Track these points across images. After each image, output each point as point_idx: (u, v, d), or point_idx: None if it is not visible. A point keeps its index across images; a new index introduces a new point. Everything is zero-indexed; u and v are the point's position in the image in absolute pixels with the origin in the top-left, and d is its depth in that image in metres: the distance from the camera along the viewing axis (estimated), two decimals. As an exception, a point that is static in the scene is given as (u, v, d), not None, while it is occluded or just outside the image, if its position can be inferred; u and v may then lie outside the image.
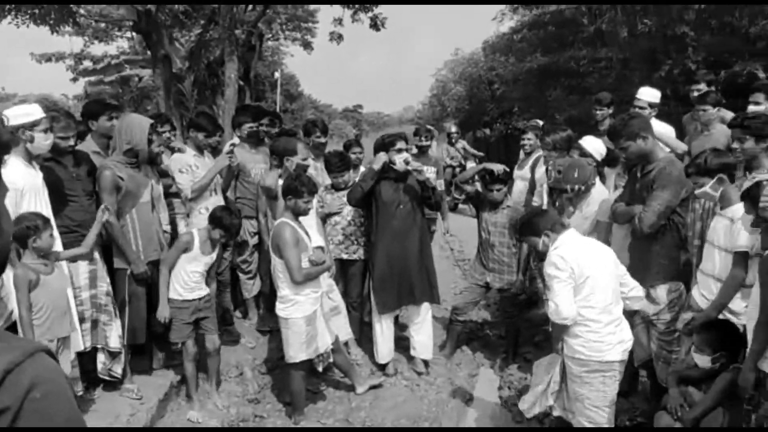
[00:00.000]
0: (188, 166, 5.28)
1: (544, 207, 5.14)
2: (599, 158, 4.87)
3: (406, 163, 5.02)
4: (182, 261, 4.60)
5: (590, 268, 3.59)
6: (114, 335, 4.41)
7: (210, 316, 4.82)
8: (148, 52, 15.46)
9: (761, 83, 5.13)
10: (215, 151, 5.67)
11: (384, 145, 5.18)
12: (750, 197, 3.16)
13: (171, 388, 4.83)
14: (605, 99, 6.16)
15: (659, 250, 3.98)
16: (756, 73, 8.40)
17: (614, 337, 3.61)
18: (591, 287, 3.57)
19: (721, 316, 3.59)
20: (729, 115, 5.10)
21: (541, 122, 7.42)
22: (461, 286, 7.01)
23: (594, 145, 4.91)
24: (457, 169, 11.56)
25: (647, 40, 10.91)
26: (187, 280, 4.60)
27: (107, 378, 4.52)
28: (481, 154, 13.07)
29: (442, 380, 5.44)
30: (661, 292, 4.00)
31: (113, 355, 4.49)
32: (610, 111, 5.95)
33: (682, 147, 5.43)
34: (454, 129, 12.70)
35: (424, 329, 5.43)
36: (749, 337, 3.15)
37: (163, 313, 4.52)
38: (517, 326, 5.79)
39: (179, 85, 15.90)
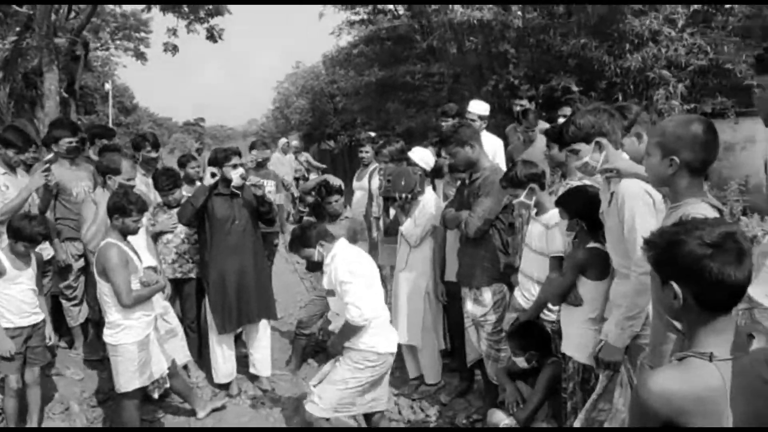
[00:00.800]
0: (-4, 185, 4.79)
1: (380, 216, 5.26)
2: (427, 168, 5.07)
3: (243, 178, 4.90)
4: (1, 287, 4.19)
5: (371, 272, 4.01)
6: None
7: (40, 345, 4.43)
8: (-47, 61, 13.89)
9: (568, 98, 5.63)
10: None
11: (217, 160, 5.03)
12: (563, 203, 3.43)
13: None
14: (451, 110, 6.45)
15: (484, 254, 4.22)
16: (570, 87, 9.20)
17: (388, 331, 4.04)
18: (374, 289, 3.91)
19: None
20: (546, 126, 5.57)
21: (373, 134, 7.61)
22: (307, 299, 6.97)
23: (421, 155, 5.11)
24: (301, 182, 11.56)
25: (474, 57, 11.58)
26: (20, 305, 4.22)
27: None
28: (323, 166, 13.20)
29: (288, 396, 5.35)
30: (486, 294, 4.23)
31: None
32: (456, 121, 6.21)
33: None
34: (295, 142, 12.71)
35: (262, 346, 5.32)
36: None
37: (5, 346, 4.13)
38: (361, 335, 5.84)
39: (-8, 96, 14.42)
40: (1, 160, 4.97)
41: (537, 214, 3.90)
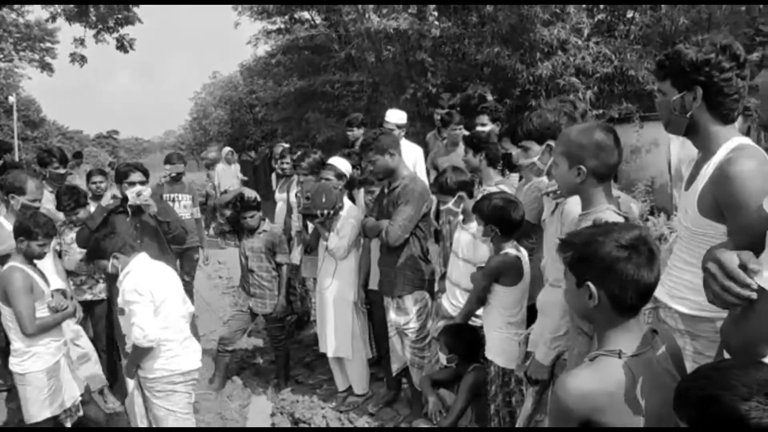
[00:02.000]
0: None
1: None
2: (347, 176, 5.06)
3: (138, 195, 4.72)
4: None
5: (165, 291, 3.79)
6: None
7: None
8: None
9: (485, 106, 5.76)
10: None
11: (117, 177, 4.86)
12: (478, 209, 3.48)
13: None
14: (356, 120, 6.48)
15: (405, 261, 4.23)
16: (485, 95, 9.43)
17: (189, 350, 3.91)
18: (167, 309, 3.76)
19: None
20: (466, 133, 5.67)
21: (287, 145, 7.56)
22: (228, 315, 6.82)
23: (344, 165, 5.09)
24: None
25: (393, 65, 11.69)
26: None
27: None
28: (244, 178, 12.93)
29: (212, 416, 5.19)
30: (409, 302, 4.25)
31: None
32: (362, 131, 6.24)
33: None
34: (212, 154, 12.44)
35: None
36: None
37: None
38: (286, 349, 5.75)
39: None
40: None
41: (464, 222, 3.95)
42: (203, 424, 5.06)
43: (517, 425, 3.20)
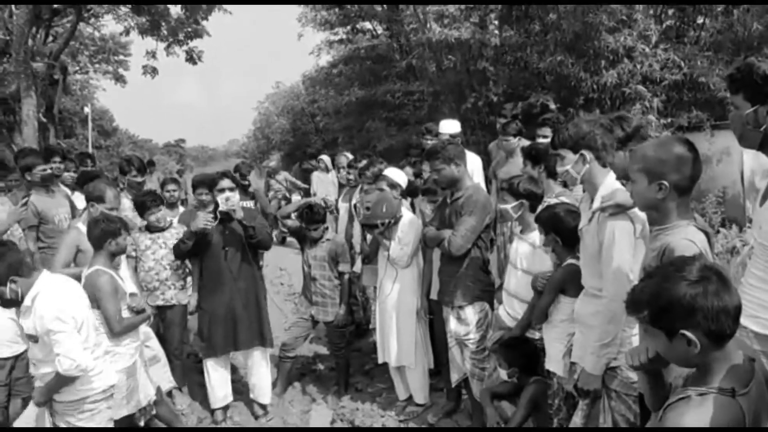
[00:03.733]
0: (-27, 215, 4.75)
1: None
2: (403, 186, 5.10)
3: (226, 200, 4.87)
4: None
5: (83, 309, 3.56)
6: None
7: (25, 376, 4.33)
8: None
9: (547, 117, 5.70)
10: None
11: (206, 183, 5.03)
12: (539, 219, 3.48)
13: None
14: (434, 129, 6.53)
15: (465, 272, 4.23)
16: (548, 104, 9.34)
17: (110, 365, 3.76)
18: (86, 328, 3.54)
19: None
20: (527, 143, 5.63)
21: (350, 155, 7.64)
22: (291, 321, 6.93)
23: (399, 175, 5.14)
24: (282, 202, 11.50)
25: (453, 75, 11.71)
26: (1, 336, 4.12)
27: None
28: (305, 186, 13.14)
29: (275, 420, 5.31)
30: (469, 312, 4.24)
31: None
32: (445, 139, 6.25)
33: None
34: (272, 163, 12.68)
35: (258, 373, 5.27)
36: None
37: None
38: (346, 357, 5.81)
39: (-30, 122, 14.32)
40: (-21, 188, 4.95)
41: (522, 232, 3.94)
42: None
43: None
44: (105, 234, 4.10)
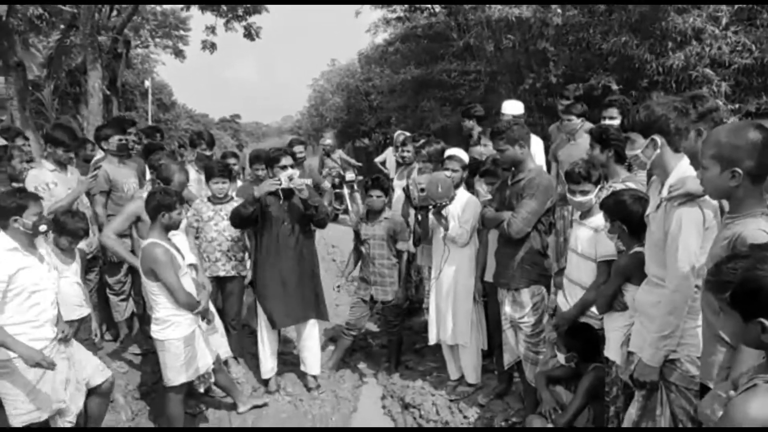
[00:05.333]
0: (45, 184, 4.95)
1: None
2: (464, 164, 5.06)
3: (290, 179, 4.94)
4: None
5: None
6: None
7: (88, 338, 4.57)
8: (-1, 59, 14.30)
9: (614, 99, 5.54)
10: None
11: (269, 159, 5.11)
12: (606, 206, 3.40)
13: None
14: (478, 111, 6.45)
15: (523, 255, 4.19)
16: (610, 86, 9.08)
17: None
18: None
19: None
20: (590, 126, 5.49)
21: (408, 134, 7.62)
22: (344, 298, 7.02)
23: (465, 155, 5.11)
24: (336, 180, 11.59)
25: (512, 55, 11.49)
26: (67, 298, 4.27)
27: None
28: (359, 164, 13.21)
29: (327, 394, 5.41)
30: (525, 296, 4.21)
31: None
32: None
33: None
34: (329, 141, 12.75)
35: (311, 346, 5.38)
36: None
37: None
38: (399, 335, 5.87)
39: (37, 94, 14.83)
40: (51, 158, 5.15)
41: (582, 217, 3.87)
42: (317, 402, 5.30)
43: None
44: (160, 206, 4.22)
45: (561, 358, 3.77)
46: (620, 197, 3.33)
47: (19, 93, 11.64)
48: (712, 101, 3.62)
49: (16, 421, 3.67)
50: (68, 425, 3.93)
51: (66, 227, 4.39)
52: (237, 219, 5.06)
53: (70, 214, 4.51)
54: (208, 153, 6.12)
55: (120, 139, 5.63)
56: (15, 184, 4.60)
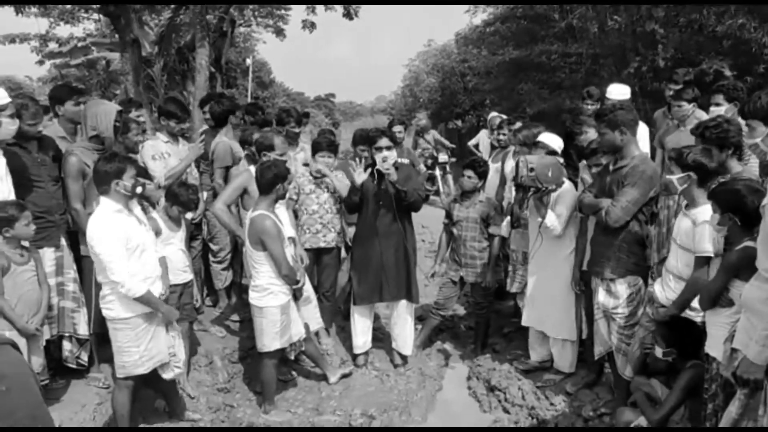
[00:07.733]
0: (161, 153, 5.25)
1: (512, 202, 5.15)
2: (559, 152, 4.93)
3: (383, 160, 4.98)
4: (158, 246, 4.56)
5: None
6: (82, 323, 4.40)
7: (190, 303, 4.85)
8: (116, 36, 15.14)
9: (721, 85, 5.22)
10: (186, 138, 5.66)
11: (368, 139, 5.21)
12: (716, 195, 3.23)
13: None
14: (596, 94, 6.29)
15: (621, 244, 4.06)
16: (722, 71, 8.56)
17: None
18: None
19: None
20: (702, 114, 5.22)
21: (504, 116, 7.50)
22: (441, 281, 7.01)
23: (556, 141, 4.96)
24: (429, 161, 11.58)
25: (617, 37, 11.04)
26: (173, 264, 4.51)
27: (74, 366, 4.48)
28: (452, 145, 13.12)
29: (412, 371, 5.49)
30: (620, 286, 4.09)
31: (81, 343, 4.46)
32: (599, 106, 6.00)
33: None
34: (423, 121, 12.71)
35: (403, 325, 5.46)
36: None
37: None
38: (487, 318, 5.85)
39: (149, 69, 15.61)
40: (164, 129, 5.45)
41: (687, 207, 3.69)
42: (404, 378, 5.38)
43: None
44: (276, 178, 4.38)
45: (658, 352, 3.64)
46: (733, 187, 3.15)
47: (134, 68, 12.31)
48: None
49: (121, 372, 3.96)
50: (178, 371, 4.24)
51: (179, 198, 4.64)
52: (349, 208, 5.32)
53: (185, 186, 4.77)
54: (296, 130, 6.25)
55: (237, 116, 6.03)
56: (131, 155, 4.90)
